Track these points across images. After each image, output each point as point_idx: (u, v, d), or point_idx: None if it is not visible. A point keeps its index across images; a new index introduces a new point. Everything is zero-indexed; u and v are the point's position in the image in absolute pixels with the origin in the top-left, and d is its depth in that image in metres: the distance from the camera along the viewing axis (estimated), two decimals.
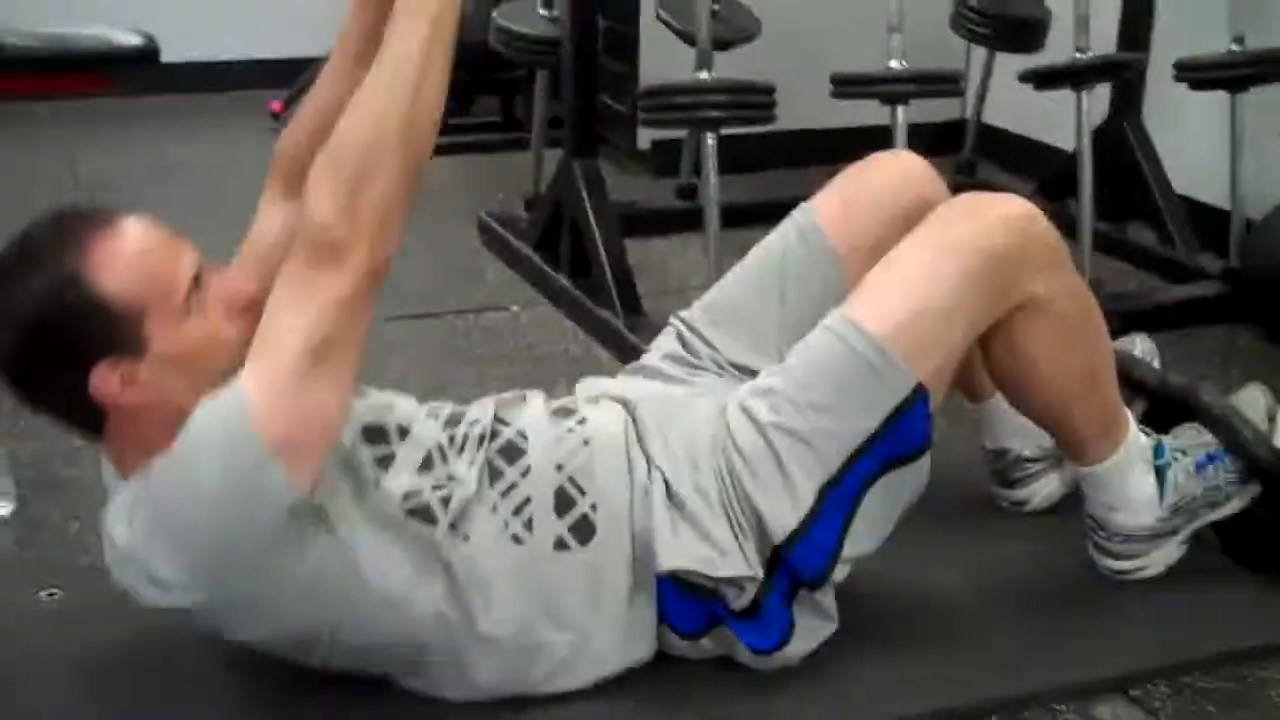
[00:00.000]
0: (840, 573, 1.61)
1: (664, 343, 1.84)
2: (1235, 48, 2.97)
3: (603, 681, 1.60)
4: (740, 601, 1.57)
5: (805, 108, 3.02)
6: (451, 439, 1.58)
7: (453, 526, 1.52)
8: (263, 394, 1.37)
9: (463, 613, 1.52)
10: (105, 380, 1.42)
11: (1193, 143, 3.22)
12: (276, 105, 4.26)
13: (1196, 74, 2.99)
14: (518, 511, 1.55)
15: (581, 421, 1.64)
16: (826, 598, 1.64)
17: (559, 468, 1.58)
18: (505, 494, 1.56)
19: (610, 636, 1.58)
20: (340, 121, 1.41)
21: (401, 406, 1.61)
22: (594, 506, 1.57)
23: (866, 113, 2.89)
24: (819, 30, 3.63)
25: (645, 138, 3.81)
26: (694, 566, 1.55)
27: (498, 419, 1.62)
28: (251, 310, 1.44)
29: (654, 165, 3.80)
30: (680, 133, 3.51)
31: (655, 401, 1.69)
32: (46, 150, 3.92)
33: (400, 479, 1.52)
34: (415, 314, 2.84)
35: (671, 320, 1.86)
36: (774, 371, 1.63)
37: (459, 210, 3.47)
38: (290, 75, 4.28)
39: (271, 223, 1.63)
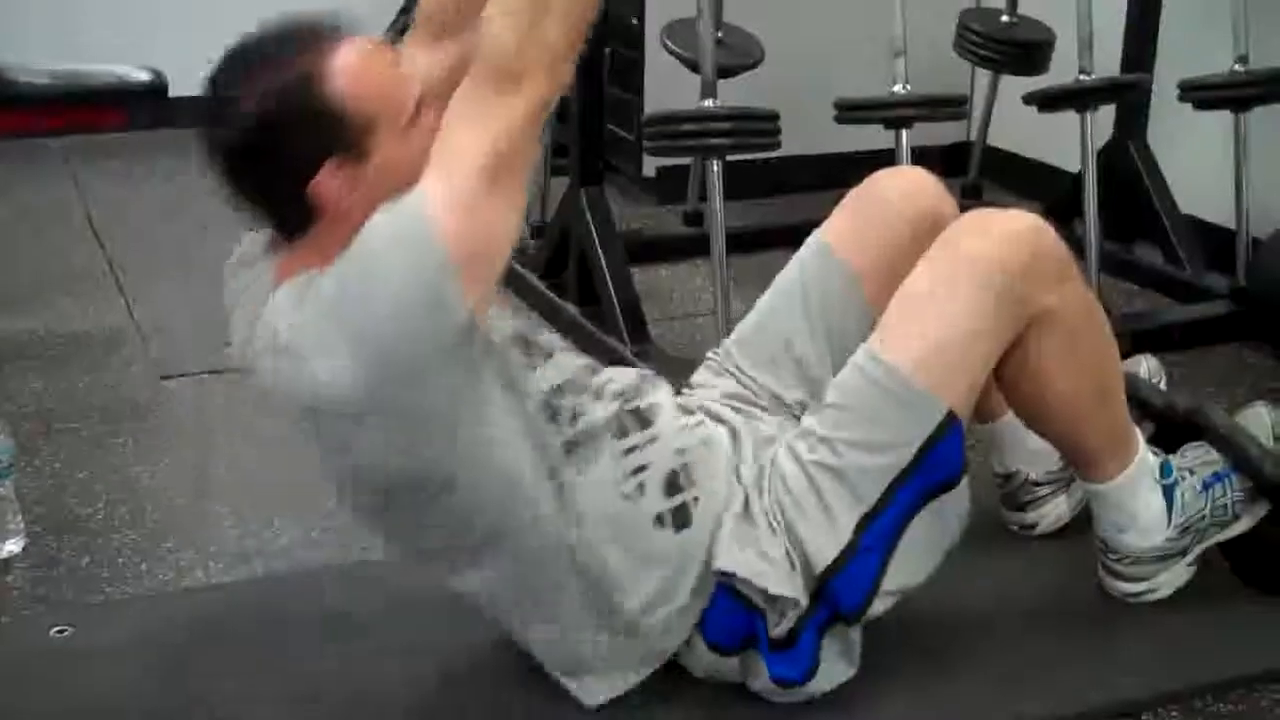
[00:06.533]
0: (881, 606, 1.63)
1: (716, 381, 1.84)
2: (1239, 68, 2.97)
3: (629, 690, 1.64)
4: (779, 629, 1.60)
5: (810, 133, 3.03)
6: (588, 385, 1.64)
7: (572, 447, 1.57)
8: (442, 204, 1.42)
9: (557, 530, 1.56)
10: (330, 180, 1.47)
11: (1198, 162, 3.22)
12: None
13: (1201, 94, 3.00)
14: (634, 473, 1.60)
15: (700, 424, 1.70)
16: (857, 636, 1.66)
17: (679, 452, 1.63)
18: (627, 452, 1.61)
19: (659, 628, 1.61)
20: None
21: (547, 335, 1.69)
22: (695, 500, 1.62)
23: (871, 137, 2.90)
24: (823, 56, 3.65)
25: (651, 165, 3.82)
26: (746, 574, 1.59)
27: (633, 388, 1.68)
28: None
29: (660, 192, 3.81)
30: (686, 160, 3.52)
31: (746, 431, 1.72)
32: (59, 184, 3.95)
33: (540, 386, 1.58)
34: None
35: (710, 357, 1.87)
36: (813, 411, 1.67)
37: None
38: None
39: (421, 67, 1.63)
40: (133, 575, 2.01)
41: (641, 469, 1.61)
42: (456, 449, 1.51)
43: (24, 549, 2.05)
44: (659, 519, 1.60)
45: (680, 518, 1.61)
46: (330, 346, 1.45)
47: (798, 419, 1.72)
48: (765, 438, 1.70)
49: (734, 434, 1.70)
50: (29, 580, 2.00)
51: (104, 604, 1.94)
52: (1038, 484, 2.01)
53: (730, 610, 1.61)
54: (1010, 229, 1.66)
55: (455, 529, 1.57)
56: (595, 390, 1.64)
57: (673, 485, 1.61)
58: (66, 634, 1.82)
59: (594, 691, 1.64)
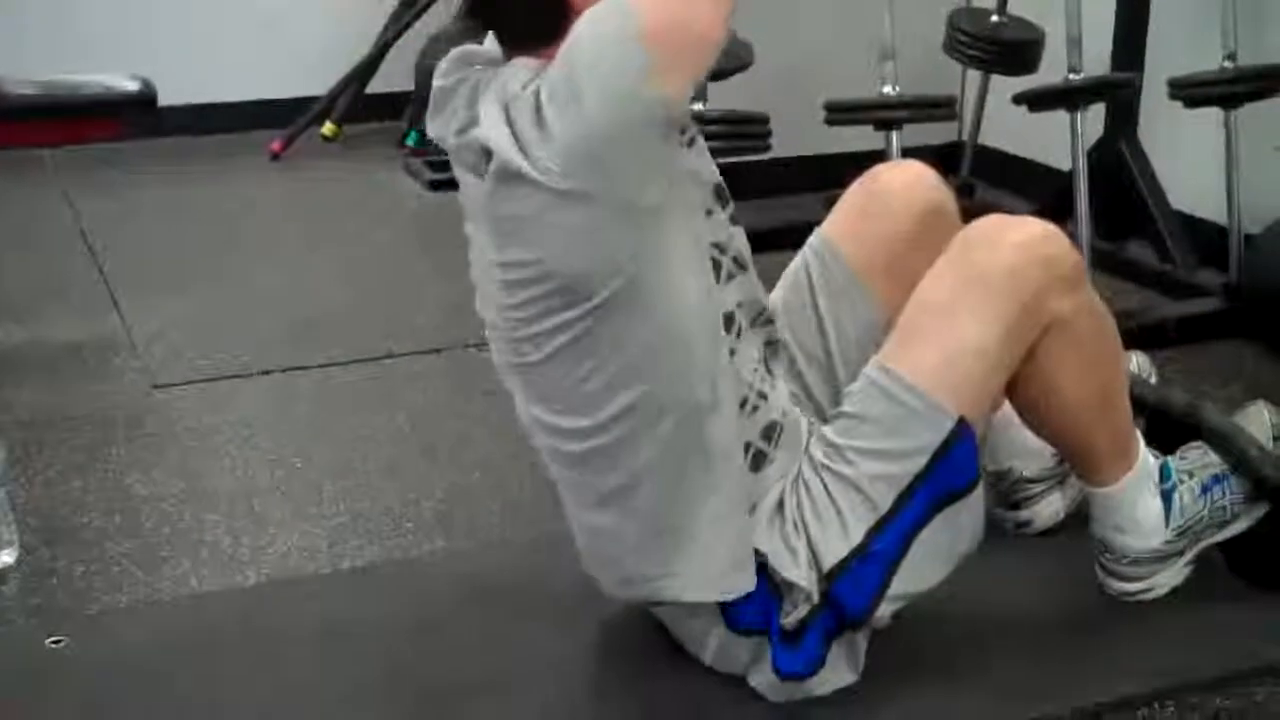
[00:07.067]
0: (888, 609, 1.64)
1: None
2: (1228, 65, 2.98)
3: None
4: (792, 618, 1.61)
5: (800, 135, 3.04)
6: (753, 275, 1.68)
7: (728, 321, 1.60)
8: None
9: (698, 383, 1.56)
10: None
11: (1188, 159, 3.22)
12: (276, 145, 4.28)
13: (1190, 91, 3.00)
14: (757, 394, 1.63)
15: (798, 406, 1.72)
16: (863, 644, 1.67)
17: (784, 413, 1.66)
18: (759, 374, 1.64)
19: (711, 558, 1.62)
20: None
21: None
22: (771, 461, 1.63)
23: (862, 138, 2.91)
24: (813, 58, 3.64)
25: None
26: (771, 555, 1.60)
27: (773, 338, 1.72)
28: None
29: None
30: None
31: (804, 427, 1.72)
32: (49, 194, 3.94)
33: (718, 238, 1.63)
34: (428, 349, 2.84)
35: None
36: (831, 418, 1.69)
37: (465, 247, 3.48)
38: (289, 115, 4.31)
39: None
40: (128, 584, 2.00)
41: (761, 398, 1.63)
42: (635, 251, 1.51)
43: (18, 560, 2.05)
44: (747, 447, 1.62)
45: (756, 462, 1.63)
46: (538, 123, 1.47)
47: (816, 414, 1.74)
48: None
49: (798, 426, 1.71)
50: (24, 591, 1.99)
51: (99, 614, 1.94)
52: (1031, 481, 2.01)
53: (756, 588, 1.62)
54: (1021, 237, 1.66)
55: (604, 350, 1.55)
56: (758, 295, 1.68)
57: (769, 433, 1.63)
58: (62, 644, 1.82)
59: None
